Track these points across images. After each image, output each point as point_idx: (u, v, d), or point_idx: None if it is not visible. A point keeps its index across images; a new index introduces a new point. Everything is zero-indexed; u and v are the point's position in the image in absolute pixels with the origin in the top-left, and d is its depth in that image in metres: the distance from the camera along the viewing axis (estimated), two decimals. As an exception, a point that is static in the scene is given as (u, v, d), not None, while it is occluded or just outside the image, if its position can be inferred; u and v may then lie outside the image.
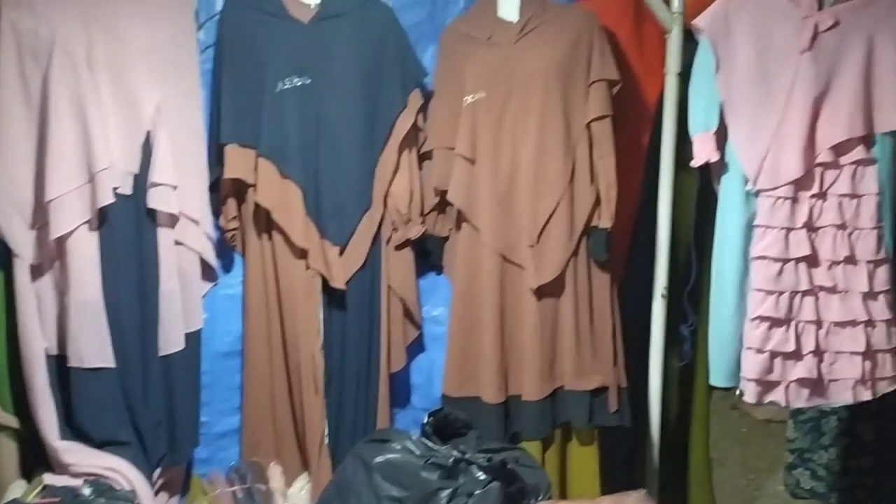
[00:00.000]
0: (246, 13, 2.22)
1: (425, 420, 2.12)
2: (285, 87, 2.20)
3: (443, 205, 2.45)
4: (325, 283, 2.28)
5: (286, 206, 2.21)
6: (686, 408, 2.94)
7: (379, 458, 1.95)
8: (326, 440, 2.32)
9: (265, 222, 2.25)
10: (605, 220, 2.37)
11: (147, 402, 2.13)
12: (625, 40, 2.57)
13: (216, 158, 2.23)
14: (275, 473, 2.25)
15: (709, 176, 2.40)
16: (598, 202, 2.38)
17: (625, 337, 2.52)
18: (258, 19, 2.21)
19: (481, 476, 1.93)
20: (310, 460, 2.31)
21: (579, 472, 2.50)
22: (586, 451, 2.51)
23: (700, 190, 2.63)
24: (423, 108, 2.39)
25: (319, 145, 2.24)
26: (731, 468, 3.75)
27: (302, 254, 2.25)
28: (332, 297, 2.31)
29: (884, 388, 2.30)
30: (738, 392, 2.33)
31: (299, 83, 2.20)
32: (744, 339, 2.28)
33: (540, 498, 2.03)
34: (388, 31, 2.30)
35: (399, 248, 2.39)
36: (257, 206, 2.23)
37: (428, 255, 2.51)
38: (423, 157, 2.44)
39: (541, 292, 2.36)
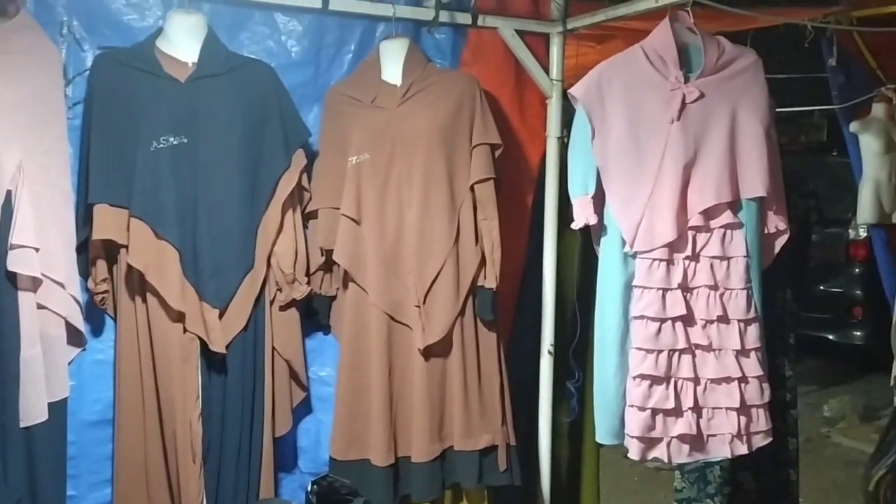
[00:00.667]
0: (118, 70, 2.15)
1: (308, 488, 2.06)
2: (160, 146, 2.13)
3: (329, 264, 2.43)
4: (204, 346, 2.20)
5: (161, 268, 2.13)
6: (576, 463, 2.98)
7: (257, 532, 1.87)
8: (205, 511, 2.21)
9: (139, 284, 2.16)
10: (490, 280, 2.40)
11: (6, 478, 1.98)
12: (507, 105, 2.65)
13: (85, 218, 2.14)
14: (148, 549, 2.13)
15: (590, 237, 2.47)
16: (483, 262, 2.40)
17: (513, 395, 2.54)
18: (131, 76, 2.14)
19: (365, 546, 1.88)
20: (187, 534, 2.19)
21: (470, 533, 2.48)
22: (477, 512, 2.49)
23: (583, 249, 2.71)
24: (308, 169, 2.37)
25: (197, 205, 2.18)
26: (623, 519, 3.82)
27: (179, 316, 2.17)
28: (212, 361, 2.23)
29: (758, 441, 2.39)
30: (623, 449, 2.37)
31: (175, 142, 2.14)
32: (626, 396, 2.33)
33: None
34: (269, 90, 2.28)
35: (284, 308, 2.34)
36: (130, 267, 2.13)
37: (315, 314, 2.47)
38: (309, 217, 2.41)
39: (428, 352, 2.35)
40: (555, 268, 2.70)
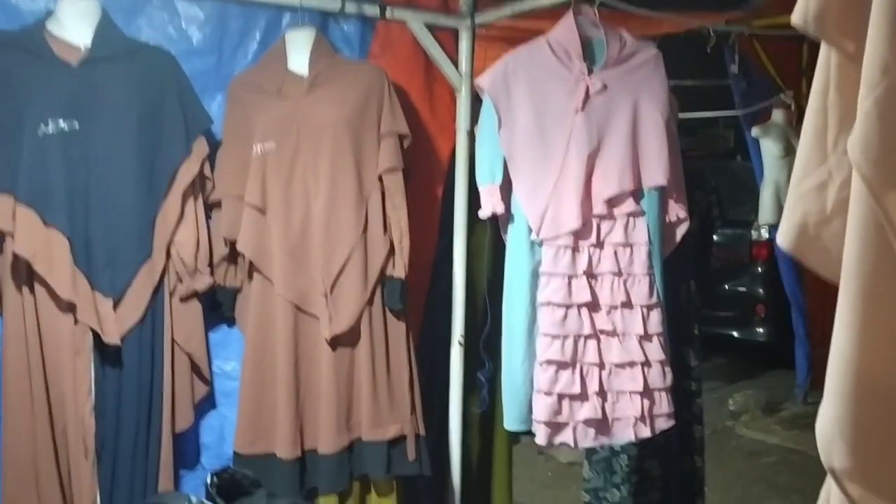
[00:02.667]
0: (3, 52, 2.05)
1: (208, 480, 2.00)
2: (49, 131, 2.03)
3: (234, 256, 2.37)
4: (97, 338, 2.11)
5: (49, 256, 2.03)
6: (488, 454, 2.99)
7: (153, 526, 1.80)
8: (99, 511, 2.12)
9: (25, 274, 2.06)
10: (398, 270, 2.39)
11: None
12: (416, 97, 2.64)
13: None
14: (38, 552, 2.02)
15: (499, 228, 2.49)
16: (392, 252, 2.39)
17: (424, 386, 2.53)
18: (18, 59, 2.04)
19: (266, 537, 1.84)
20: (79, 534, 2.09)
21: (379, 525, 2.45)
22: (386, 503, 2.46)
23: (493, 242, 2.72)
24: (211, 158, 2.31)
25: (89, 192, 2.10)
26: (535, 513, 3.85)
27: (69, 307, 2.07)
28: (106, 354, 2.14)
29: (661, 424, 2.44)
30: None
31: (66, 127, 2.05)
32: (534, 382, 2.35)
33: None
34: (168, 76, 2.21)
35: (185, 300, 2.27)
36: (16, 256, 2.03)
37: (219, 307, 2.40)
38: (212, 207, 2.35)
39: (336, 342, 2.32)
40: (465, 260, 2.71)
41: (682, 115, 2.81)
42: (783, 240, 0.71)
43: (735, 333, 5.89)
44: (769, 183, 4.84)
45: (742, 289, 5.92)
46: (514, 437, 3.11)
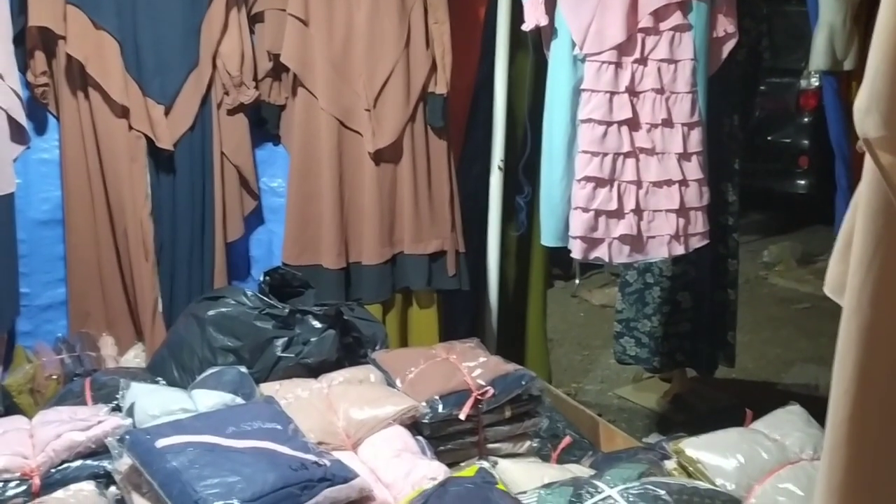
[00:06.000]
0: None
1: (261, 279, 2.11)
2: (96, -65, 2.04)
3: (278, 71, 2.40)
4: (151, 145, 2.19)
5: (102, 59, 2.08)
6: (524, 280, 3.07)
7: (211, 312, 1.93)
8: (160, 308, 2.26)
9: (80, 78, 2.11)
10: (440, 86, 2.40)
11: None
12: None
13: (19, 7, 2.06)
14: (106, 343, 2.18)
15: (542, 49, 2.46)
16: (434, 68, 2.39)
17: (464, 209, 2.59)
18: None
19: (317, 325, 1.96)
20: (143, 330, 2.25)
21: (420, 334, 2.58)
22: (426, 314, 2.59)
23: (535, 65, 2.70)
24: (254, -33, 2.30)
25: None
26: (567, 347, 4.00)
27: (123, 112, 2.14)
28: (160, 161, 2.23)
29: (695, 243, 2.48)
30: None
31: (113, -69, 2.05)
32: (571, 199, 2.39)
33: (377, 347, 2.08)
34: None
35: (231, 113, 2.32)
36: (70, 59, 2.08)
37: (264, 123, 2.45)
38: (255, 20, 2.36)
39: (378, 157, 2.37)
40: (506, 84, 2.69)
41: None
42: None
43: (775, 187, 5.83)
44: (823, 26, 4.64)
45: (786, 140, 5.80)
46: (549, 274, 3.14)
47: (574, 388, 3.54)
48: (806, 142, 5.70)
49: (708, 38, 2.36)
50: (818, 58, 5.34)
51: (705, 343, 3.25)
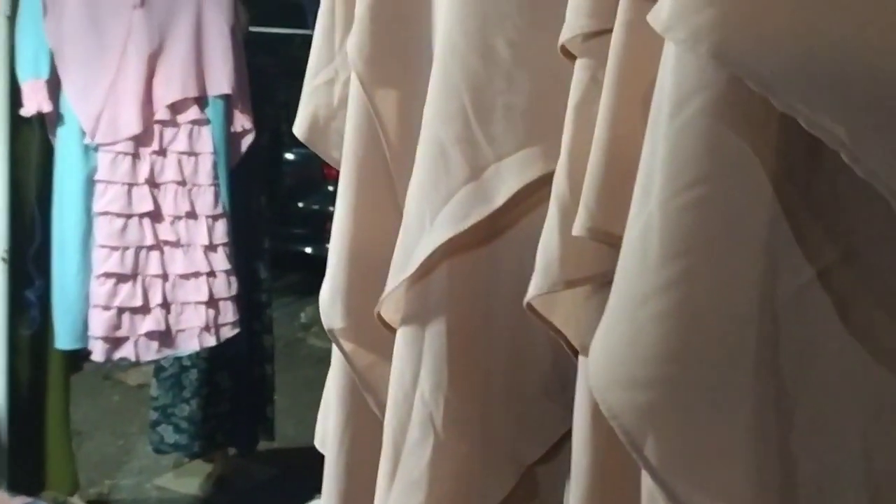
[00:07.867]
0: None
1: None
2: None
3: None
4: None
5: None
6: (41, 382, 2.76)
7: None
8: None
9: None
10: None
11: None
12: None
13: None
14: None
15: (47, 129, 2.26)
16: None
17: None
18: None
19: None
20: None
21: None
22: None
23: (42, 145, 2.47)
24: None
25: None
26: (99, 438, 3.68)
27: None
28: None
29: (226, 332, 2.50)
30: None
31: None
32: (90, 296, 2.23)
33: None
34: None
35: None
36: None
37: None
38: None
39: None
40: (9, 166, 2.41)
41: (257, 29, 2.82)
42: (298, 129, 0.78)
43: (308, 250, 6.20)
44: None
45: (315, 206, 6.23)
46: (72, 364, 2.92)
47: (108, 486, 3.27)
48: (331, 208, 6.19)
49: (227, 132, 2.41)
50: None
51: (245, 421, 3.29)
